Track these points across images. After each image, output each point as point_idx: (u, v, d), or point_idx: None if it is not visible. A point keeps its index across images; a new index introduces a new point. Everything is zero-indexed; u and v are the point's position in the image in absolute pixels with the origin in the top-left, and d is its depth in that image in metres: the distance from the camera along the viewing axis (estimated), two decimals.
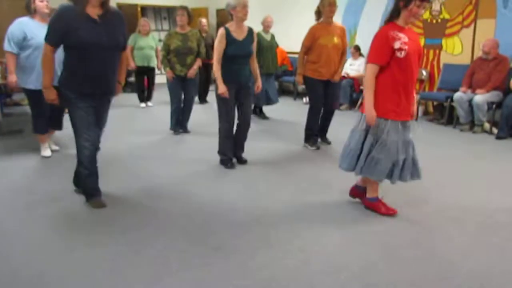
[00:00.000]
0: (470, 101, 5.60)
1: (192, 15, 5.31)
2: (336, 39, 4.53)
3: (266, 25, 6.40)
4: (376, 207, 3.05)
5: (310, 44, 4.55)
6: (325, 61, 4.53)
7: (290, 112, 7.08)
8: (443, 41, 6.53)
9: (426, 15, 6.71)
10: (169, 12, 12.08)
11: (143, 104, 7.63)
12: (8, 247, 2.52)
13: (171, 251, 2.48)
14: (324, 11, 4.48)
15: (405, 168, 2.90)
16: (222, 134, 4.03)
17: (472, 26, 6.11)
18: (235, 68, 3.85)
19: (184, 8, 5.23)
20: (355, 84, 7.49)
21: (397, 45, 2.69)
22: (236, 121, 4.10)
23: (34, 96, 4.02)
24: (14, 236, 2.66)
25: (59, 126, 4.42)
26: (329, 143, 4.99)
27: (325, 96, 4.73)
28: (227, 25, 3.84)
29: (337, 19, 8.11)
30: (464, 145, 5.05)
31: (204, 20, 7.59)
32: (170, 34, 5.33)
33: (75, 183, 3.36)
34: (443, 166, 4.12)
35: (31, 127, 4.33)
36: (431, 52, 6.72)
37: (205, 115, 6.69)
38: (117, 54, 3.00)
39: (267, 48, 6.29)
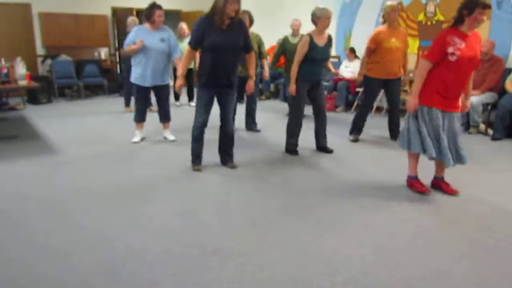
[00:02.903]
0: None
1: (253, 18, 5.36)
2: (398, 42, 4.91)
3: (295, 29, 6.45)
4: (412, 185, 3.49)
5: (375, 46, 4.91)
6: (387, 62, 4.91)
7: (279, 113, 7.07)
8: None
9: (421, 16, 6.75)
10: (165, 15, 12.05)
11: (192, 103, 7.95)
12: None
13: (168, 254, 2.48)
14: (388, 17, 4.88)
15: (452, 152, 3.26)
16: (291, 126, 4.61)
17: None
18: (312, 70, 4.41)
19: (246, 12, 5.35)
20: (351, 86, 7.50)
21: (450, 50, 3.06)
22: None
23: (137, 90, 5.00)
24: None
25: (168, 118, 5.24)
26: None
27: (388, 95, 5.19)
28: (311, 32, 4.38)
29: (332, 22, 8.17)
30: None
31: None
32: None
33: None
34: None
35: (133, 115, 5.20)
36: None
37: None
38: (237, 54, 3.81)
39: (291, 51, 6.32)
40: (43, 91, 8.11)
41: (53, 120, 6.55)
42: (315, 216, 3.03)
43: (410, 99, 3.24)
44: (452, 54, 3.05)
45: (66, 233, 2.76)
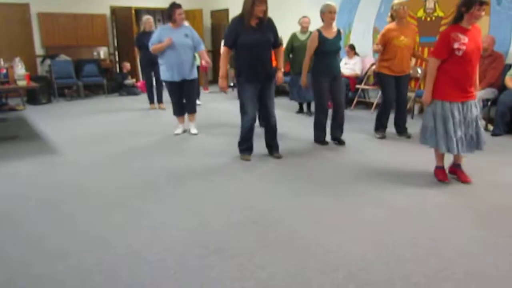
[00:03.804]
0: None
1: None
2: (407, 40, 4.97)
3: (304, 26, 6.45)
4: (435, 174, 3.71)
5: (384, 44, 4.99)
6: (398, 59, 4.98)
7: (288, 110, 7.07)
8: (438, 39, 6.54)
9: (420, 13, 6.73)
10: (163, 14, 12.05)
11: (198, 101, 7.84)
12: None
13: (169, 254, 2.48)
14: (397, 14, 4.93)
15: (462, 143, 3.43)
16: (318, 121, 4.85)
17: None
18: (327, 62, 4.63)
19: None
20: (351, 83, 7.49)
21: (456, 45, 3.26)
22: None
23: (168, 86, 5.31)
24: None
25: (195, 110, 5.55)
26: (408, 136, 5.28)
27: (396, 92, 5.18)
28: (320, 27, 4.63)
29: None
30: None
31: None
32: None
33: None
34: None
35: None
36: (426, 49, 6.73)
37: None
38: (269, 49, 4.13)
39: (299, 48, 6.33)
40: (43, 91, 8.11)
41: (53, 120, 6.56)
42: (315, 214, 3.03)
43: (424, 96, 3.46)
44: (458, 49, 3.25)
45: (66, 233, 2.76)
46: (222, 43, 4.17)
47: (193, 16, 10.69)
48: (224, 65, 4.12)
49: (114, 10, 10.25)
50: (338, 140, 4.93)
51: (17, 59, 5.62)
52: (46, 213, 3.07)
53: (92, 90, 9.51)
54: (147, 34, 6.94)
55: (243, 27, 3.96)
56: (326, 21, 4.59)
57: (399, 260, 2.38)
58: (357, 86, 7.47)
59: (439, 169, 3.70)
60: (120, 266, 2.35)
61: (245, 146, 4.34)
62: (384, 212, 3.05)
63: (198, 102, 7.96)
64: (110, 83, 9.53)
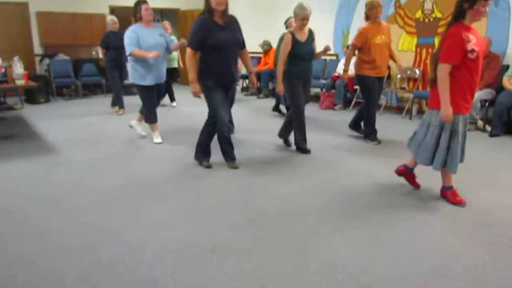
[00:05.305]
0: None
1: None
2: (384, 37, 4.90)
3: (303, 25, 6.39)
4: (447, 195, 3.24)
5: (362, 44, 4.85)
6: (380, 58, 4.88)
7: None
8: (436, 40, 6.57)
9: (418, 14, 6.75)
10: (162, 14, 12.06)
11: (174, 103, 7.94)
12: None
13: (166, 252, 2.48)
14: (372, 14, 4.83)
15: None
16: (297, 124, 4.59)
17: None
18: (302, 65, 4.43)
19: None
20: (349, 83, 7.50)
21: (469, 47, 2.82)
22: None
23: (146, 91, 4.79)
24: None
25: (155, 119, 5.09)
26: (379, 142, 5.09)
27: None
28: (292, 29, 4.44)
29: (330, 19, 8.18)
30: None
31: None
32: None
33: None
34: None
35: (144, 118, 5.10)
36: (424, 51, 6.75)
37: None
38: (238, 50, 3.88)
39: None
40: (41, 90, 8.10)
41: (51, 119, 6.55)
42: (312, 214, 3.04)
43: (444, 110, 2.90)
44: (472, 51, 2.82)
45: (65, 231, 2.77)
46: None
47: (192, 16, 10.68)
48: (193, 69, 3.72)
49: (113, 10, 10.24)
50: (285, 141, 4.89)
51: (16, 58, 5.62)
52: (46, 211, 3.08)
53: (91, 90, 9.49)
54: (113, 35, 6.83)
55: (211, 26, 3.62)
56: (297, 24, 4.36)
57: (397, 260, 2.39)
58: (356, 86, 7.47)
59: (451, 190, 3.24)
60: (118, 264, 2.35)
61: (203, 152, 4.12)
62: (381, 212, 3.06)
63: (174, 104, 7.93)
64: (109, 82, 9.50)
